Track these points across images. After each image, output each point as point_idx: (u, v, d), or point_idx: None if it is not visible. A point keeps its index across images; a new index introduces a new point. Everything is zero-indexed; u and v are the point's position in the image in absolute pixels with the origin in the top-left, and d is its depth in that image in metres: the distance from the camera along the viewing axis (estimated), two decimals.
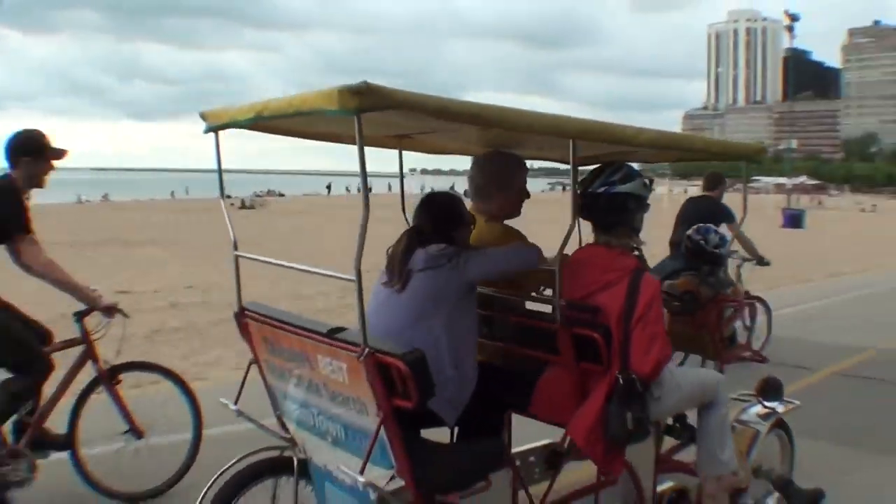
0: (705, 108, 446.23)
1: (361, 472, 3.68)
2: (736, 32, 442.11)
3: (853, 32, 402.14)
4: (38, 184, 6.51)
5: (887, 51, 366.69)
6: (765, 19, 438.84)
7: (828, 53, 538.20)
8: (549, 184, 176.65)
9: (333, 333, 3.96)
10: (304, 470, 4.54)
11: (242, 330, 4.85)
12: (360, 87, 3.38)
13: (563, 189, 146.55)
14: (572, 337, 4.47)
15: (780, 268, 16.71)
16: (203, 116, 4.79)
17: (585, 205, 4.88)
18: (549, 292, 5.00)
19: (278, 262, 4.76)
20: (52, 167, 6.57)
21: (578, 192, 4.88)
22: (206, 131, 4.79)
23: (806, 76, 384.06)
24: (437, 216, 4.66)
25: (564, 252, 4.56)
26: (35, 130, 6.48)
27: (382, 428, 3.73)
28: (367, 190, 3.53)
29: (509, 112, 4.01)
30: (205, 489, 4.27)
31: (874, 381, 11.26)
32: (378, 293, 4.60)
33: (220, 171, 5.09)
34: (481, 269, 4.50)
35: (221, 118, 4.63)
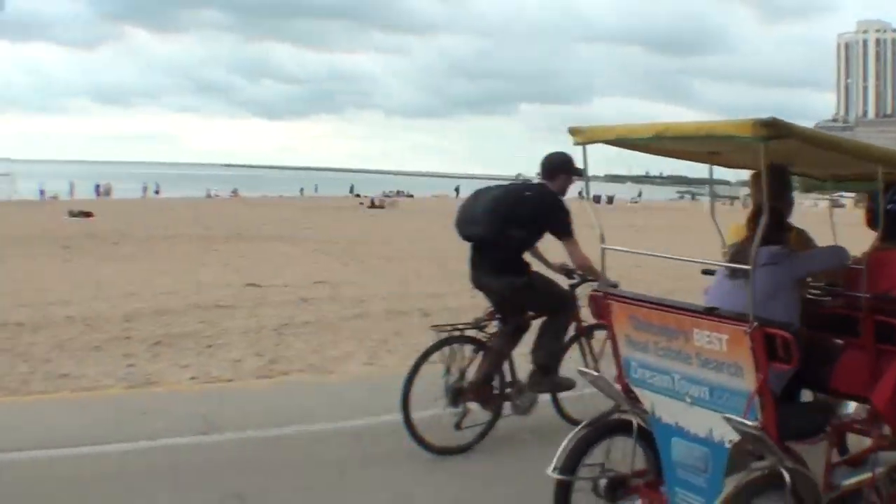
0: (835, 119, 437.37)
1: (743, 421, 4.45)
2: (865, 43, 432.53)
3: None
4: (564, 195, 7.79)
5: None
6: (895, 30, 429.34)
7: None
8: (677, 192, 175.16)
9: (711, 312, 4.86)
10: (637, 430, 5.32)
11: (602, 309, 5.51)
12: (770, 120, 4.21)
13: (693, 198, 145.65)
14: (874, 323, 5.19)
15: None
16: (572, 132, 5.60)
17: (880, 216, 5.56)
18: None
19: (644, 252, 5.94)
20: (572, 182, 7.80)
21: (866, 205, 6.30)
22: (576, 144, 5.61)
23: None
24: (775, 224, 5.21)
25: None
26: (565, 153, 7.64)
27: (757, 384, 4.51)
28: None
29: (891, 152, 5.16)
30: (560, 448, 5.08)
31: None
32: (722, 283, 5.41)
33: (586, 179, 6.10)
34: (808, 267, 5.57)
35: (590, 135, 5.53)
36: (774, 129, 4.24)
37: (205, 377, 10.10)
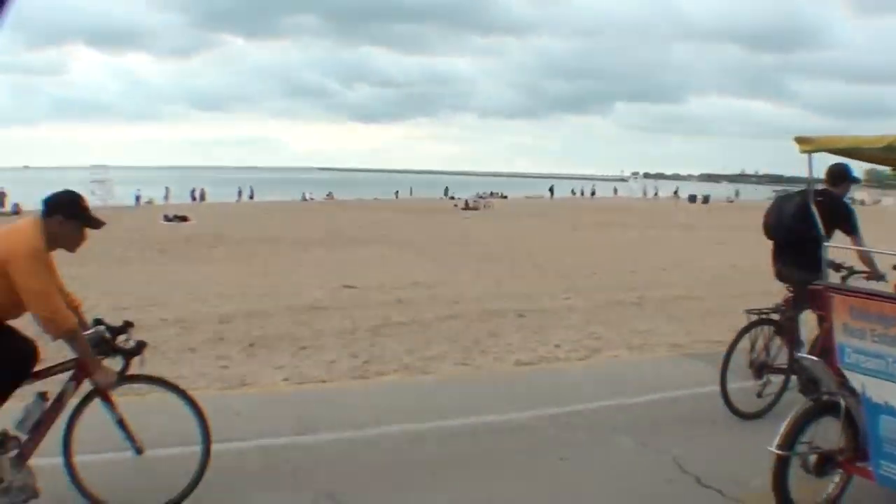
0: None
1: None
2: None
3: None
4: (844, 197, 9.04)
5: None
6: None
7: None
8: (773, 191, 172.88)
9: None
10: (838, 409, 5.95)
11: (821, 300, 6.44)
12: None
13: None
14: None
15: None
16: (799, 141, 6.56)
17: None
18: None
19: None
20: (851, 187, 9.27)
21: None
22: (802, 152, 6.54)
23: None
24: None
25: None
26: (845, 164, 8.54)
27: None
28: None
29: None
30: (781, 427, 5.79)
31: None
32: None
33: (811, 183, 7.37)
34: None
35: (817, 145, 6.55)
36: None
37: (299, 378, 10.11)
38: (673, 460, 7.16)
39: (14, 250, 5.57)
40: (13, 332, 5.78)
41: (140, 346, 6.14)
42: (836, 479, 6.16)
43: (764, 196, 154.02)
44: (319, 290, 17.90)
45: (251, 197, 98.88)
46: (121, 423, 6.03)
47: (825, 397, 6.15)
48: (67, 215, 5.85)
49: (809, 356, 6.86)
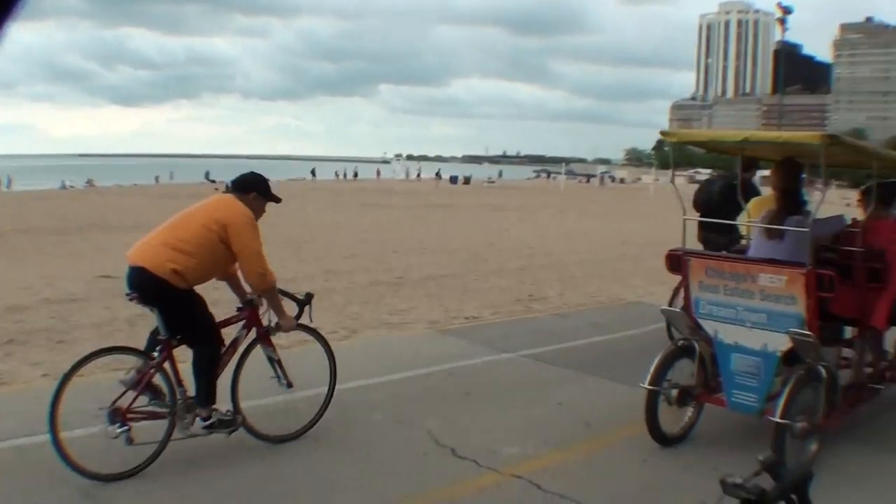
0: (694, 98, 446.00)
1: (804, 333, 6.86)
2: (727, 24, 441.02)
3: (845, 28, 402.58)
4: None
5: (878, 47, 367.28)
6: (756, 11, 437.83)
7: (819, 48, 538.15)
8: (534, 171, 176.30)
9: (772, 261, 7.30)
10: (693, 352, 7.63)
11: (681, 264, 7.74)
12: (831, 134, 7.11)
13: (548, 176, 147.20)
14: (866, 269, 7.71)
15: None
16: (664, 135, 8.94)
17: (878, 193, 8.30)
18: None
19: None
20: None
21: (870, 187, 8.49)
22: (666, 146, 9.43)
23: (796, 70, 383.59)
24: (795, 200, 7.98)
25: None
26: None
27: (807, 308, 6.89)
28: None
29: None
30: (651, 368, 7.35)
31: None
32: (761, 242, 7.85)
33: (672, 171, 11.00)
34: (822, 230, 7.84)
35: (682, 137, 8.94)
36: (833, 139, 7.08)
37: (57, 373, 9.87)
38: (428, 434, 7.35)
39: (234, 218, 6.92)
40: None
41: (310, 297, 7.70)
42: (692, 408, 7.74)
43: (524, 176, 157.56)
44: (76, 282, 17.42)
45: (8, 186, 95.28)
46: (279, 363, 7.49)
47: (682, 343, 7.77)
48: (261, 192, 7.33)
49: (671, 308, 8.67)
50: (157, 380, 6.76)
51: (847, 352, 8.55)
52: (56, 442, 6.23)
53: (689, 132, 10.21)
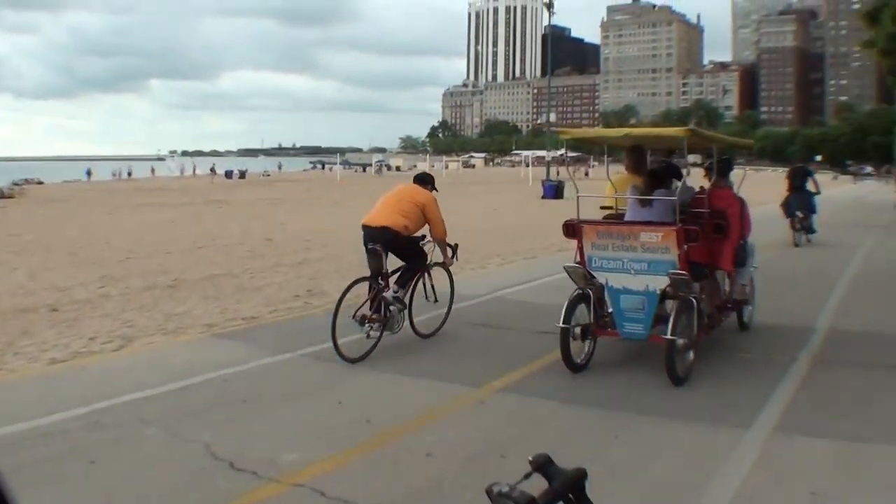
0: (465, 85, 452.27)
1: (681, 272, 9.31)
2: (496, 10, 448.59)
3: (612, 10, 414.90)
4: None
5: (645, 26, 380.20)
6: None
7: (587, 30, 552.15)
8: (310, 162, 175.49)
9: (650, 223, 9.74)
10: (588, 298, 10.01)
11: (576, 231, 10.17)
12: (692, 128, 10.81)
13: (323, 167, 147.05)
14: (713, 224, 10.40)
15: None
16: (560, 133, 11.79)
17: (718, 168, 11.79)
18: None
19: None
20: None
21: (709, 163, 12.04)
22: (564, 141, 12.34)
23: (565, 52, 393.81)
24: (663, 175, 10.72)
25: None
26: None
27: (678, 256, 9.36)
28: None
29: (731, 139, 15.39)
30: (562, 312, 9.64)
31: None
32: (636, 209, 10.30)
33: (568, 164, 16.36)
34: (682, 197, 10.13)
35: (574, 134, 12.46)
36: (693, 132, 10.40)
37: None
38: (205, 448, 7.08)
39: (427, 199, 11.66)
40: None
41: (456, 246, 12.48)
42: (590, 341, 10.12)
43: (300, 168, 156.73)
44: None
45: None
46: (432, 287, 12.23)
47: (579, 292, 10.07)
48: (432, 185, 12.21)
49: (572, 263, 10.27)
50: (377, 301, 10.94)
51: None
52: (334, 340, 10.11)
53: (580, 130, 14.90)
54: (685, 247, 9.49)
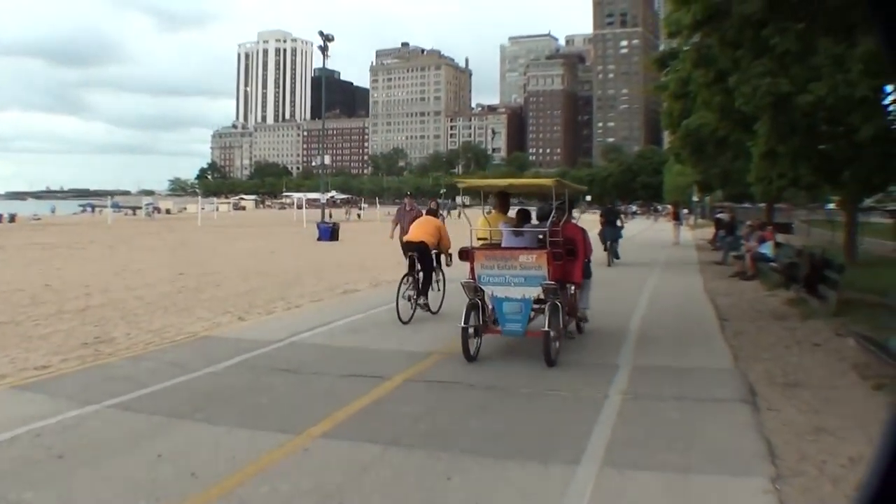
0: (234, 126, 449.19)
1: (551, 283, 13.15)
2: (266, 52, 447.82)
3: (381, 54, 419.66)
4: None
5: (414, 70, 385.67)
6: (294, 40, 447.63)
7: (356, 74, 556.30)
8: (79, 205, 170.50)
9: (526, 248, 13.76)
10: (478, 306, 13.51)
11: (469, 257, 13.75)
12: (557, 179, 14.88)
13: (92, 210, 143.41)
14: (566, 249, 13.82)
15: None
16: (457, 181, 16.11)
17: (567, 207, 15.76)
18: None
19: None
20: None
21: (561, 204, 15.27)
22: (462, 189, 16.60)
23: (335, 95, 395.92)
24: (525, 214, 15.73)
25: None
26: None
27: (548, 272, 13.21)
28: None
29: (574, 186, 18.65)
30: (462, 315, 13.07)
31: (448, 384, 11.55)
32: (511, 239, 14.47)
33: (461, 209, 21.03)
34: (542, 230, 13.88)
35: (469, 184, 17.10)
36: (560, 183, 14.66)
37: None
38: None
39: (440, 224, 18.79)
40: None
41: (451, 255, 17.29)
42: (480, 338, 13.55)
43: (70, 211, 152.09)
44: None
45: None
46: (438, 281, 19.15)
47: (471, 301, 13.41)
48: (439, 216, 20.49)
49: (467, 279, 13.82)
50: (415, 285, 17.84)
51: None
52: (398, 309, 16.92)
53: (472, 180, 20.74)
54: (553, 265, 13.38)
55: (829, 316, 17.14)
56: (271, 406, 10.22)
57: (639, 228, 63.49)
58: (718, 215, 50.02)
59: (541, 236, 13.86)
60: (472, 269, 13.74)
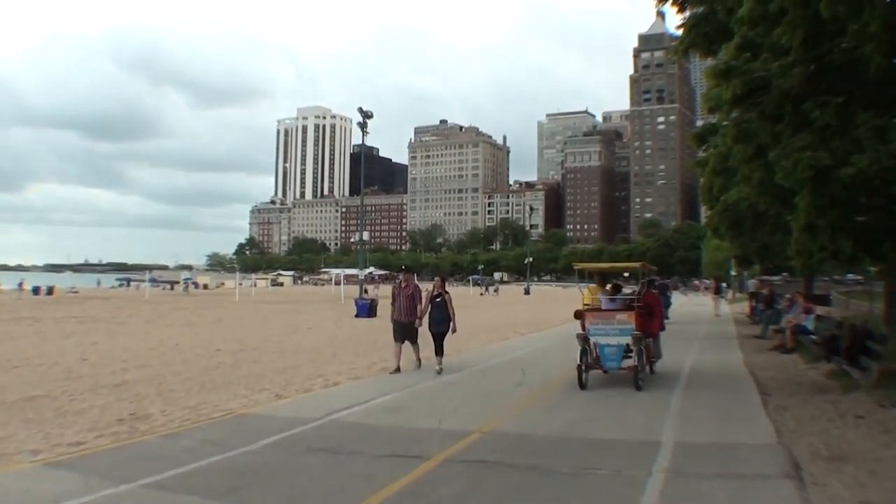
0: (273, 202, 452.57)
1: (638, 333, 18.91)
2: (305, 129, 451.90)
3: (419, 130, 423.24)
4: None
5: (452, 147, 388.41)
6: (333, 117, 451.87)
7: (395, 151, 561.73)
8: (117, 279, 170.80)
9: (621, 309, 19.80)
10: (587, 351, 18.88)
11: (581, 315, 19.56)
12: (643, 263, 22.68)
13: (128, 284, 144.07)
14: (648, 311, 20.13)
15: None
16: (574, 264, 26.38)
17: (648, 281, 25.13)
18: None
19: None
20: None
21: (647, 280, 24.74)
22: (577, 270, 24.03)
23: (373, 171, 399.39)
24: (618, 286, 22.86)
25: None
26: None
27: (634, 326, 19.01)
28: None
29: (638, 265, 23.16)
30: (577, 355, 18.74)
31: (489, 463, 11.20)
32: (607, 302, 20.51)
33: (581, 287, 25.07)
34: (629, 297, 21.39)
35: (581, 266, 23.69)
36: (643, 264, 22.39)
37: None
38: None
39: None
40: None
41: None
42: (589, 373, 18.42)
43: (109, 284, 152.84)
44: None
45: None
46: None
47: (582, 346, 18.60)
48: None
49: (580, 331, 19.00)
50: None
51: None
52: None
53: (583, 264, 24.49)
54: (639, 321, 19.03)
55: (871, 388, 16.85)
56: (307, 487, 9.97)
57: (677, 302, 62.92)
58: (752, 290, 50.09)
59: (628, 301, 20.36)
60: (582, 325, 19.41)
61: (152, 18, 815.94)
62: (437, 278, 23.32)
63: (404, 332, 21.56)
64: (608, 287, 22.28)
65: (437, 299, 21.84)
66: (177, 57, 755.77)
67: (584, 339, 18.87)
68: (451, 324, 21.75)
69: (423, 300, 21.82)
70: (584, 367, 18.33)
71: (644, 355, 19.13)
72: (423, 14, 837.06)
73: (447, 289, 22.50)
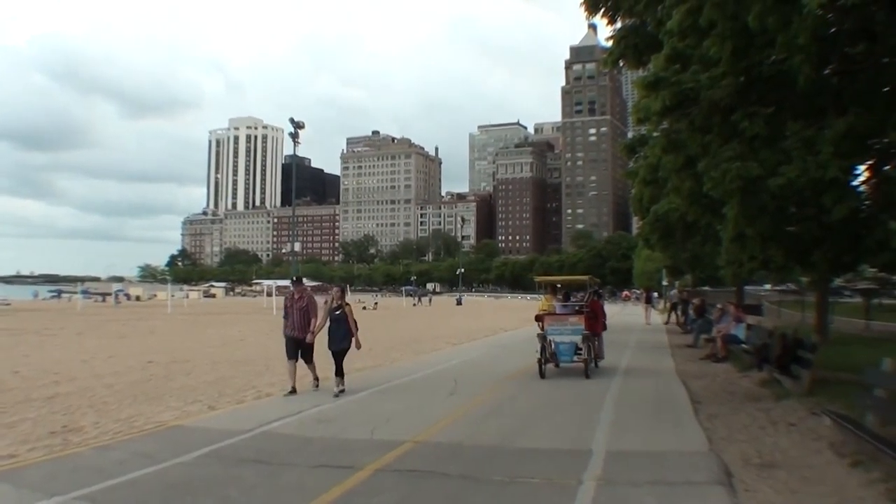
0: (205, 213, 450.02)
1: (587, 332, 23.42)
2: (237, 139, 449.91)
3: (351, 141, 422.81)
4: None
5: (384, 159, 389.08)
6: (265, 127, 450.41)
7: (327, 161, 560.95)
8: (49, 291, 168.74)
9: (574, 313, 24.14)
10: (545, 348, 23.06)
11: (541, 318, 24.05)
12: (590, 276, 28.74)
13: (59, 296, 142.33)
14: (593, 313, 24.92)
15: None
16: (535, 277, 30.76)
17: (594, 291, 28.48)
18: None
19: None
20: None
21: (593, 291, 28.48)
22: (538, 284, 29.87)
23: (305, 182, 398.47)
24: (568, 295, 27.89)
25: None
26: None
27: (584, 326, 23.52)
28: None
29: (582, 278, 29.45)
30: (538, 351, 23.06)
31: (421, 473, 11.18)
32: (562, 309, 25.06)
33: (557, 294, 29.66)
34: (580, 303, 26.60)
35: (540, 280, 29.01)
36: (591, 277, 28.33)
37: None
38: None
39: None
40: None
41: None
42: (545, 366, 22.79)
43: (41, 296, 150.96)
44: None
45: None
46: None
47: (542, 344, 22.96)
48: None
49: (539, 332, 23.48)
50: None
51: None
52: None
53: (542, 277, 29.17)
54: (587, 322, 23.19)
55: (802, 395, 17.19)
56: (240, 498, 9.95)
57: (610, 312, 63.03)
58: (674, 300, 50.81)
59: (577, 307, 24.75)
60: (541, 326, 23.60)
61: (79, 28, 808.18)
62: (335, 289, 20.48)
63: (297, 348, 19.49)
64: (559, 296, 26.64)
65: (337, 312, 19.52)
66: (104, 67, 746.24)
67: (542, 337, 23.16)
68: (354, 339, 19.50)
69: (320, 315, 19.45)
70: (543, 361, 22.76)
71: (591, 351, 23.37)
72: (349, 26, 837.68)
73: (347, 300, 20.09)
